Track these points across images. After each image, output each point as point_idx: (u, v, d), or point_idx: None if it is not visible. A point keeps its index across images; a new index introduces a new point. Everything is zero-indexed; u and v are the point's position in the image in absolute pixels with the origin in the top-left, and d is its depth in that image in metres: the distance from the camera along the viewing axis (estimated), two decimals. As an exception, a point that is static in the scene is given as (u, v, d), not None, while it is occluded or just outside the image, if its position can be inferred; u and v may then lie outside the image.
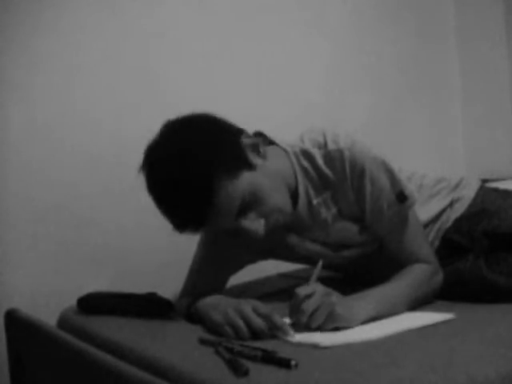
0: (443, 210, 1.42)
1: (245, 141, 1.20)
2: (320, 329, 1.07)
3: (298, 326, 1.07)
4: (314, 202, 1.30)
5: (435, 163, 2.46)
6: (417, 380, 0.84)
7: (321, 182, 1.29)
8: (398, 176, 1.28)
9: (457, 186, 1.48)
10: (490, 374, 0.86)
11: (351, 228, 1.32)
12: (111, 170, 1.71)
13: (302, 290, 1.08)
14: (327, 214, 1.31)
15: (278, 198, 1.22)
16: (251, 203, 1.17)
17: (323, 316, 1.07)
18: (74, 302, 1.37)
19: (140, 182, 1.75)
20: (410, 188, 1.29)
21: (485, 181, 1.85)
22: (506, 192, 1.49)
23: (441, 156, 2.56)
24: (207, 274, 1.40)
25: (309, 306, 1.06)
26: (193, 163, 1.12)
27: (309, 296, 1.08)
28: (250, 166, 1.18)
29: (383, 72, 2.41)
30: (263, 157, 1.22)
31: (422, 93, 2.54)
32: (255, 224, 1.18)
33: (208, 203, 1.12)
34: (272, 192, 1.20)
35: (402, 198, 1.27)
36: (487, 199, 1.44)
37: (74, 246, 1.64)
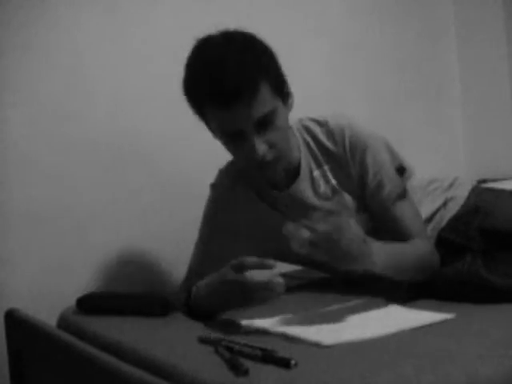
0: (437, 210, 1.44)
1: (286, 85, 1.31)
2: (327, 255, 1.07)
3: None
4: (315, 173, 1.37)
5: (435, 163, 2.46)
6: (417, 380, 0.84)
7: (321, 155, 1.37)
8: (396, 150, 1.35)
9: (450, 186, 1.50)
10: (490, 374, 0.86)
11: (349, 203, 1.36)
12: (111, 170, 1.71)
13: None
14: (326, 186, 1.37)
15: (285, 141, 1.29)
16: (268, 125, 1.24)
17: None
18: (73, 302, 1.37)
19: (140, 182, 1.75)
20: (407, 162, 1.36)
21: (485, 181, 1.85)
22: (499, 191, 1.50)
23: (441, 156, 2.56)
24: (205, 274, 1.40)
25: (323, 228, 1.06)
26: (255, 56, 1.22)
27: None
28: (284, 101, 1.28)
29: (383, 72, 2.41)
30: (290, 107, 1.32)
31: (422, 93, 2.54)
32: (260, 143, 1.23)
33: (249, 90, 1.18)
34: (284, 132, 1.28)
35: (401, 170, 1.33)
36: (480, 198, 1.45)
37: (73, 246, 1.64)
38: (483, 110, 2.58)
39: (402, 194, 1.33)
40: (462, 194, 1.47)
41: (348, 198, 1.37)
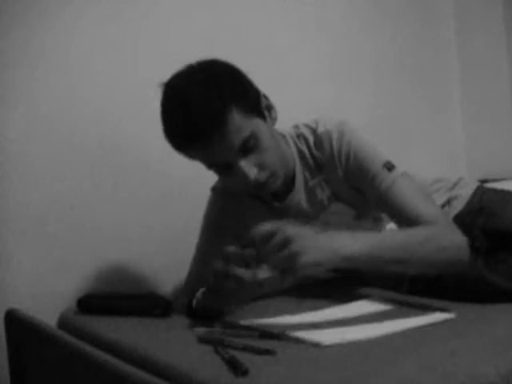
0: (441, 207, 1.44)
1: (263, 99, 1.27)
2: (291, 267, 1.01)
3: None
4: (310, 183, 1.35)
5: (435, 163, 2.46)
6: (417, 380, 0.84)
7: (315, 165, 1.34)
8: (383, 151, 1.30)
9: (455, 185, 1.51)
10: (490, 373, 0.86)
11: (347, 211, 1.35)
12: (112, 172, 1.71)
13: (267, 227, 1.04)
14: (322, 195, 1.35)
15: (275, 158, 1.25)
16: (252, 148, 1.21)
17: (281, 262, 1.01)
18: (73, 302, 1.37)
19: (140, 183, 1.75)
20: (396, 163, 1.28)
21: (485, 181, 1.86)
22: (503, 191, 1.50)
23: (441, 156, 2.56)
24: (206, 274, 1.40)
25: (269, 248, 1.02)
26: (213, 89, 1.17)
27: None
28: (262, 117, 1.24)
29: (383, 72, 2.41)
30: (273, 120, 1.29)
31: (422, 93, 2.54)
32: (249, 168, 1.21)
33: (217, 124, 1.15)
34: (272, 150, 1.24)
35: (389, 166, 1.26)
36: (485, 198, 1.46)
37: (73, 246, 1.64)
38: (483, 110, 2.58)
39: (392, 186, 1.25)
40: (466, 193, 1.48)
41: (344, 207, 1.36)
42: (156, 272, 1.76)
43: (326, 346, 0.99)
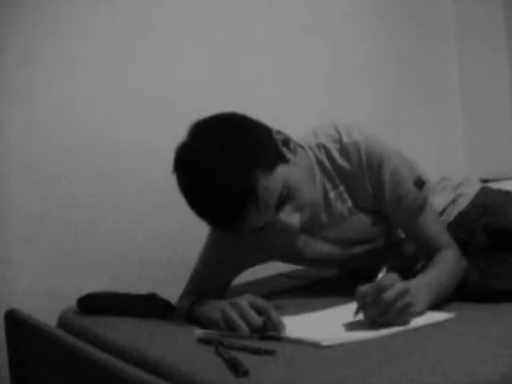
0: (446, 206, 1.45)
1: (277, 137, 1.22)
2: (385, 323, 1.06)
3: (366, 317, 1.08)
4: (331, 195, 1.32)
5: (435, 163, 2.46)
6: (417, 380, 0.83)
7: (336, 175, 1.31)
8: (413, 164, 1.31)
9: (460, 184, 1.52)
10: (490, 373, 0.85)
11: (365, 220, 1.34)
12: (110, 171, 1.72)
13: (384, 280, 1.07)
14: (342, 207, 1.33)
15: (310, 191, 1.24)
16: (287, 197, 1.18)
17: (397, 312, 1.05)
18: (73, 302, 1.37)
19: (141, 182, 1.75)
20: (425, 175, 1.31)
21: (485, 181, 1.86)
22: (507, 193, 1.51)
23: (441, 156, 2.57)
24: (209, 277, 1.40)
25: (389, 297, 1.04)
26: (231, 162, 1.12)
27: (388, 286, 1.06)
28: (284, 160, 1.19)
29: (383, 72, 2.41)
30: (294, 151, 1.24)
31: (422, 93, 2.54)
32: (292, 218, 1.19)
33: (248, 200, 1.12)
34: (305, 185, 1.22)
35: (420, 183, 1.28)
36: (489, 197, 1.48)
37: (73, 246, 1.64)
38: (483, 109, 2.58)
39: (423, 206, 1.29)
40: (470, 191, 1.50)
41: (364, 218, 1.34)
42: (156, 272, 1.76)
43: (326, 346, 0.99)
